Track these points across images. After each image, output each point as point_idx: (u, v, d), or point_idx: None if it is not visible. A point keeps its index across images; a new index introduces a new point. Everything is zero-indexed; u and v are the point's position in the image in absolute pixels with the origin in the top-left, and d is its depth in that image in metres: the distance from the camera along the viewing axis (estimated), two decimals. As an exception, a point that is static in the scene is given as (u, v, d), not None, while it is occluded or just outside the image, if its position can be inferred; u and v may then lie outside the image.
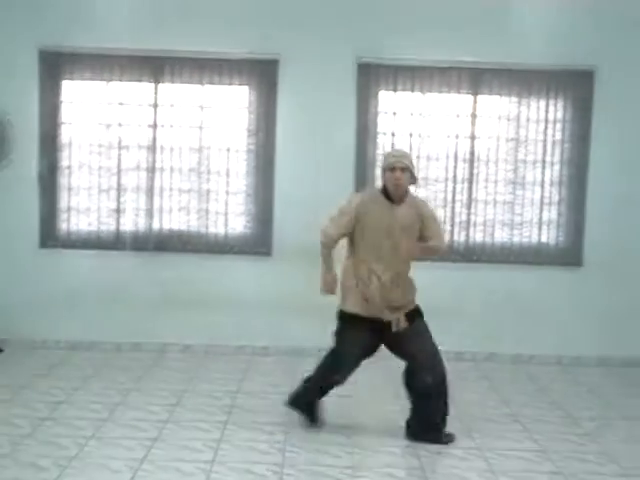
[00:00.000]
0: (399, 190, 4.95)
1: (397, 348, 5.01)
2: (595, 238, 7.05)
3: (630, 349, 7.14)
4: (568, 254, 7.10)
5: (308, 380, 5.20)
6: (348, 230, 5.00)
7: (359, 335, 4.98)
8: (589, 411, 5.76)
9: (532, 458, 4.77)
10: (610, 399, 6.10)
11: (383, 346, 5.04)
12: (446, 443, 4.93)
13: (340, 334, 5.07)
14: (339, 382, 5.10)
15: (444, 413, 5.01)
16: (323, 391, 5.18)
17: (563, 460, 4.74)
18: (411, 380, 5.00)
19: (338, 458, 4.67)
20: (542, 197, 7.05)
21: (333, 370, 5.08)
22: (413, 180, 5.03)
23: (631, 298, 7.10)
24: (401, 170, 4.89)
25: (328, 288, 5.08)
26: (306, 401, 5.19)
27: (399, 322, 4.91)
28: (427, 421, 4.99)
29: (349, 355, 5.02)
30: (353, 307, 5.00)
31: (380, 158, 6.90)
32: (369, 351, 5.04)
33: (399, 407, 5.37)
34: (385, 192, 5.01)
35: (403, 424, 5.09)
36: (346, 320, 5.04)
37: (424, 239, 5.03)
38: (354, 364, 5.05)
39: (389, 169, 4.93)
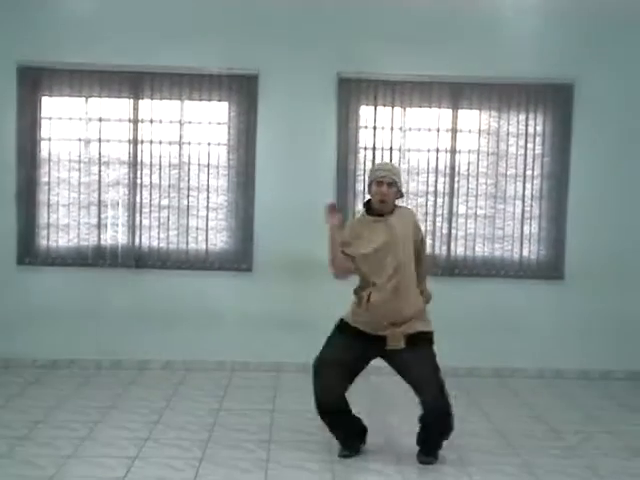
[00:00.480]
0: (384, 206, 4.79)
1: (400, 372, 4.82)
2: (576, 251, 7.07)
3: (611, 362, 7.14)
4: (549, 267, 7.11)
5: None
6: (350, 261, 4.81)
7: (348, 342, 4.77)
8: (572, 425, 5.75)
9: (515, 472, 4.75)
10: (592, 412, 6.09)
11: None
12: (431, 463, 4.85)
13: (328, 339, 4.86)
14: (324, 399, 4.80)
15: (440, 440, 4.91)
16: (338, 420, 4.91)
17: (547, 474, 4.72)
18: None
19: (319, 474, 4.63)
20: (523, 211, 7.06)
21: (315, 384, 4.81)
22: (399, 195, 4.89)
23: (612, 311, 7.11)
24: (388, 185, 4.75)
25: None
26: (338, 436, 4.97)
27: (395, 339, 4.70)
28: (425, 441, 4.90)
29: (328, 360, 4.77)
30: (353, 321, 4.82)
31: (362, 173, 6.91)
32: (355, 361, 4.77)
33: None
34: (370, 210, 4.87)
35: (382, 442, 5.08)
36: (341, 328, 4.85)
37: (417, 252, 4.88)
38: (334, 370, 4.74)
39: (376, 183, 4.79)
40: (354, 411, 4.95)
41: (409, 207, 5.21)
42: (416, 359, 4.74)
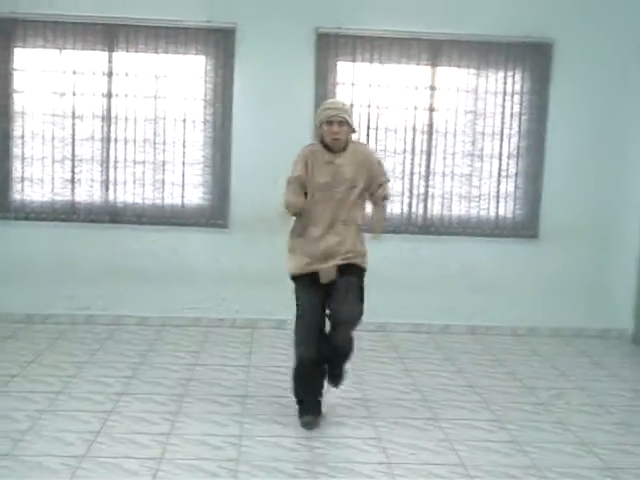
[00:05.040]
0: (339, 143, 4.70)
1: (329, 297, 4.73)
2: (551, 210, 7.10)
3: (584, 320, 7.23)
4: (525, 226, 7.15)
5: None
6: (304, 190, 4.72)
7: (310, 295, 4.72)
8: (544, 381, 5.83)
9: (488, 427, 4.81)
10: (564, 369, 6.17)
11: None
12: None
13: (296, 300, 4.80)
14: (310, 357, 4.71)
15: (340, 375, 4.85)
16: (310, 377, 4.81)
17: (519, 429, 4.79)
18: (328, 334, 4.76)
19: (294, 429, 4.66)
20: (500, 169, 7.07)
21: (299, 343, 4.76)
22: (352, 130, 4.77)
23: (585, 270, 7.18)
24: (339, 123, 4.64)
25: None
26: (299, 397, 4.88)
27: (326, 274, 4.67)
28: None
29: (309, 321, 4.72)
30: (293, 268, 4.79)
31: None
32: (323, 307, 4.73)
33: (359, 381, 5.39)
34: (324, 144, 4.75)
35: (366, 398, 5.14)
36: (295, 282, 4.81)
37: (372, 180, 4.77)
38: (316, 328, 4.72)
39: (326, 122, 4.67)
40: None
41: (364, 144, 5.06)
42: (340, 288, 4.66)
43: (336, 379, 4.86)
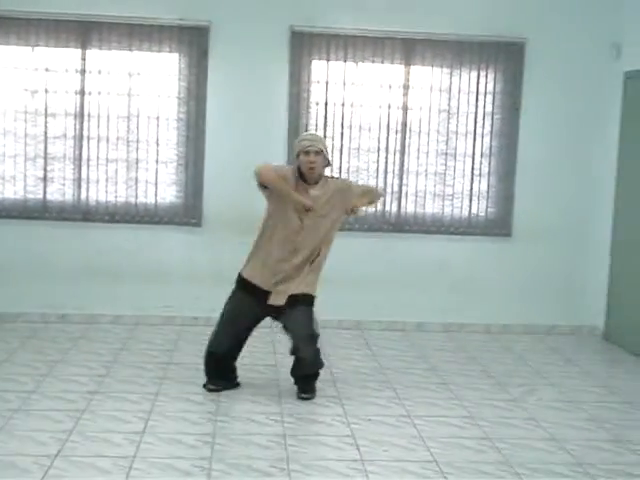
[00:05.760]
0: (313, 173, 5.04)
1: (284, 326, 5.20)
2: (524, 209, 7.17)
3: (556, 317, 7.29)
4: (497, 225, 7.20)
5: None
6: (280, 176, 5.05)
7: (244, 303, 5.15)
8: (517, 378, 5.87)
9: (461, 424, 4.84)
10: (536, 366, 6.23)
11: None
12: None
13: (229, 299, 5.24)
14: (216, 351, 5.20)
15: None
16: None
17: (491, 426, 4.82)
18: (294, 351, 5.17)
19: (268, 426, 4.66)
20: (473, 168, 7.12)
21: (214, 335, 5.26)
22: (327, 163, 5.14)
23: (558, 267, 7.25)
24: (315, 153, 4.98)
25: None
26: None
27: (277, 297, 5.07)
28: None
29: (228, 324, 5.21)
30: (247, 271, 5.19)
31: (313, 128, 6.89)
32: (251, 321, 5.20)
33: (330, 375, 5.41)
34: (300, 174, 5.09)
35: (340, 396, 5.26)
36: (239, 284, 5.21)
37: (356, 204, 5.15)
38: (232, 333, 5.20)
39: (303, 152, 5.01)
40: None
41: (337, 178, 5.47)
42: (294, 316, 5.09)
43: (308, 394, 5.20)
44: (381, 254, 7.06)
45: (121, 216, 6.92)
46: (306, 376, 5.19)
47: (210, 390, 5.20)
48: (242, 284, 5.18)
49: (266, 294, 5.09)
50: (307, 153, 4.99)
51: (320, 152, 5.01)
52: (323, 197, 5.07)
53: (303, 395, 5.14)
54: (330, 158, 5.27)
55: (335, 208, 5.11)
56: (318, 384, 5.26)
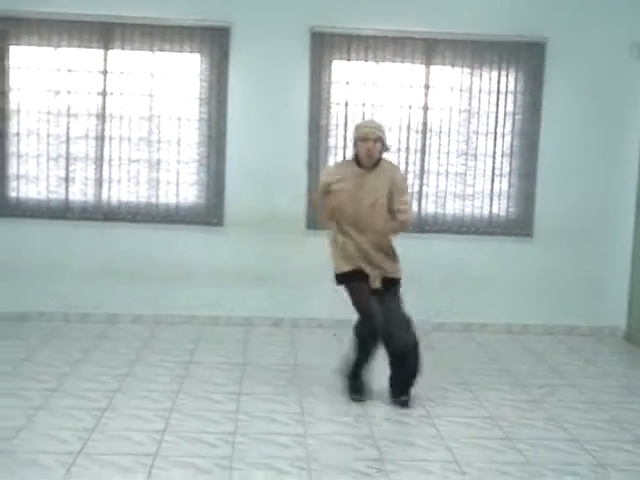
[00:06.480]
0: (372, 160, 5.07)
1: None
2: (545, 209, 7.13)
3: (576, 318, 7.26)
4: (518, 225, 7.17)
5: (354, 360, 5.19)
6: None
7: (362, 286, 5.08)
8: (537, 378, 5.85)
9: (481, 425, 4.83)
10: (557, 366, 6.20)
11: None
12: (406, 404, 5.05)
13: (351, 295, 5.12)
14: (375, 339, 5.02)
15: (413, 377, 5.11)
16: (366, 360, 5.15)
17: (512, 426, 4.81)
18: (387, 340, 5.06)
19: (288, 426, 4.68)
20: (493, 168, 7.09)
21: (367, 330, 5.03)
22: (385, 149, 5.17)
23: (579, 268, 7.21)
24: (374, 141, 5.01)
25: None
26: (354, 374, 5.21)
27: (375, 280, 5.07)
28: (399, 381, 5.13)
29: (372, 307, 5.02)
30: (340, 267, 5.15)
31: (334, 128, 6.90)
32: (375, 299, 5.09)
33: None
34: (357, 160, 5.12)
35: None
36: (344, 280, 5.16)
37: (391, 204, 5.10)
38: (378, 313, 5.01)
39: (362, 139, 5.03)
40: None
41: (392, 162, 5.39)
42: (389, 299, 5.10)
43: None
44: (401, 254, 7.01)
45: (142, 216, 6.95)
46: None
47: (355, 400, 5.14)
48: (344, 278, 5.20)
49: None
50: (366, 140, 5.01)
51: (378, 139, 5.04)
52: (379, 181, 5.08)
53: (397, 399, 5.10)
54: (388, 144, 5.31)
55: (386, 192, 5.10)
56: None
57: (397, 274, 5.22)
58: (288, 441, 4.44)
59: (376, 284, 5.09)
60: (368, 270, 5.08)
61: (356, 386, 5.19)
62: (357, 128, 5.19)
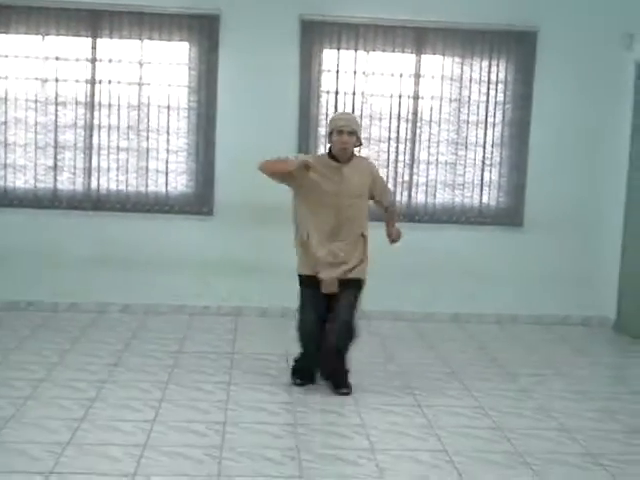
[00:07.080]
0: (346, 153, 5.02)
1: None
2: (535, 199, 7.13)
3: (567, 308, 7.27)
4: (509, 214, 7.18)
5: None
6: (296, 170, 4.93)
7: (312, 295, 5.06)
8: (527, 368, 5.86)
9: (471, 414, 4.83)
10: (546, 356, 6.21)
11: None
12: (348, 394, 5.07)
13: (300, 297, 5.15)
14: (310, 351, 5.11)
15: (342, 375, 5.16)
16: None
17: (501, 416, 4.81)
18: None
19: (279, 415, 4.68)
20: (484, 158, 7.09)
21: (303, 333, 5.12)
22: (359, 143, 5.12)
23: (569, 258, 7.22)
24: (348, 134, 4.96)
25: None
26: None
27: (329, 285, 5.00)
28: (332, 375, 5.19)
29: (307, 321, 5.09)
30: (299, 267, 5.14)
31: (324, 117, 6.87)
32: (324, 309, 5.07)
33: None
34: (331, 154, 5.06)
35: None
36: (300, 281, 5.15)
37: (372, 197, 5.18)
38: (314, 328, 5.06)
39: (337, 132, 4.98)
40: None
41: (366, 158, 5.40)
42: (342, 300, 5.04)
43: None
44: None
45: (132, 205, 6.92)
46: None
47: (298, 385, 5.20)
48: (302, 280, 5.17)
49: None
50: (340, 133, 4.95)
51: (353, 132, 4.98)
52: (355, 175, 5.04)
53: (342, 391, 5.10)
54: (362, 138, 5.23)
55: (366, 187, 5.10)
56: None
57: (359, 274, 5.12)
58: (278, 430, 4.43)
59: (331, 289, 5.01)
60: (324, 274, 4.99)
61: (302, 373, 5.21)
62: (332, 120, 5.15)
